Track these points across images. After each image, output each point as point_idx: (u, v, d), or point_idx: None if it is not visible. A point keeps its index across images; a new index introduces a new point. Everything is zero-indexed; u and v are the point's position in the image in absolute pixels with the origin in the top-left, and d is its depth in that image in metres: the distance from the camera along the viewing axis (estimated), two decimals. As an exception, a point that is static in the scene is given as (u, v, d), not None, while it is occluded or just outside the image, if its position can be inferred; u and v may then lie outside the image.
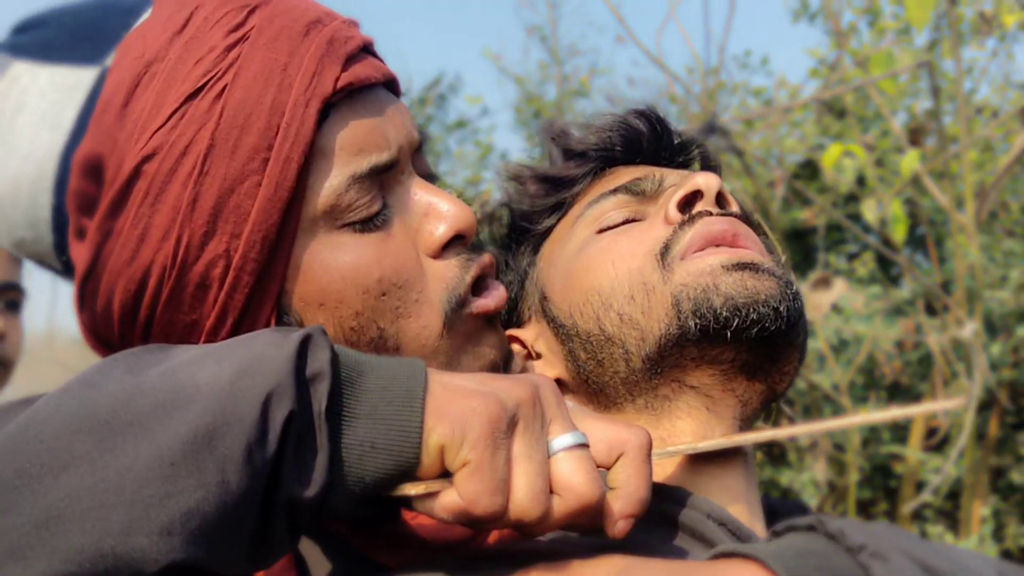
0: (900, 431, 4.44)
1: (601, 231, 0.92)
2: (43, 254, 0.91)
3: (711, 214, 0.88)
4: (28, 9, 0.94)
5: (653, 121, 1.01)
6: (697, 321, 0.82)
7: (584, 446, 0.67)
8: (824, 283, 3.18)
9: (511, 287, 0.99)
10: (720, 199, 0.91)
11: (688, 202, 0.90)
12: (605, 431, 0.69)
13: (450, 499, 0.64)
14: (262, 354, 0.63)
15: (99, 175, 0.82)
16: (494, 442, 0.63)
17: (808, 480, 3.96)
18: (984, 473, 3.83)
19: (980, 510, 3.64)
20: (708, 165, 1.03)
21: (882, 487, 4.67)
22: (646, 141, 1.00)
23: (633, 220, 0.92)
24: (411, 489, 0.65)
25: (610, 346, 0.87)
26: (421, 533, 0.78)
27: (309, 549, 0.79)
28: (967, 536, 3.49)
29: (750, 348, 0.83)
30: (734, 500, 0.83)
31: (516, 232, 1.01)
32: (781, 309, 0.82)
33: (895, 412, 0.76)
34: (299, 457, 0.61)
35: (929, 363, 3.92)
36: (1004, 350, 3.95)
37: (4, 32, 0.93)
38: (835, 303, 3.40)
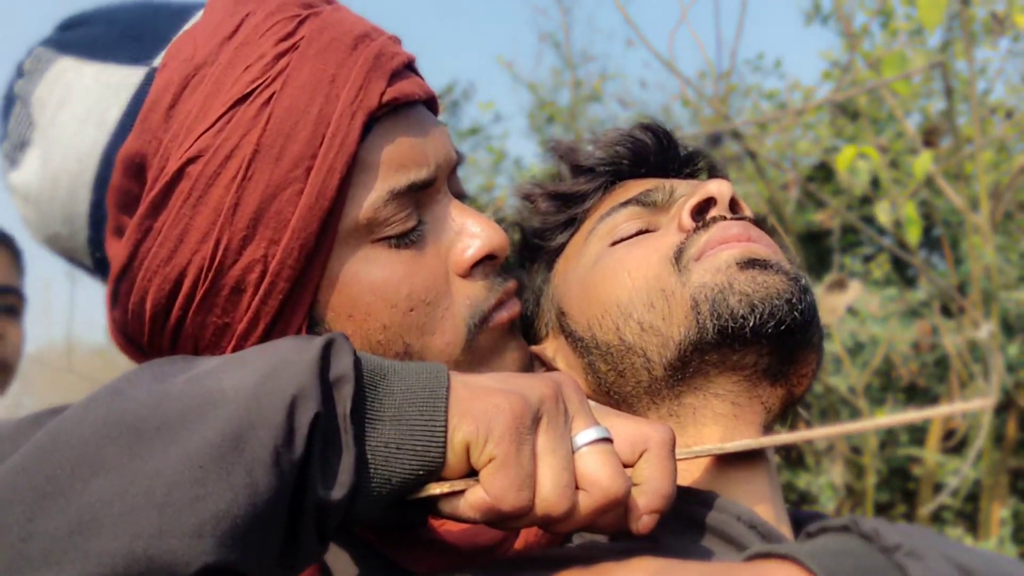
0: (918, 433, 4.42)
1: (615, 243, 0.93)
2: (76, 250, 0.91)
3: (725, 219, 0.88)
4: (66, 8, 0.95)
5: (659, 134, 1.01)
6: (715, 322, 0.82)
7: (608, 440, 0.67)
8: (839, 285, 3.17)
9: (526, 304, 0.99)
10: (733, 205, 0.91)
11: (701, 209, 0.90)
12: (628, 428, 0.70)
13: (477, 496, 0.64)
14: (286, 359, 0.64)
15: (142, 173, 0.82)
16: (519, 438, 0.63)
17: (826, 483, 3.94)
18: (1003, 475, 3.81)
19: (999, 512, 3.62)
20: (717, 174, 1.03)
21: (900, 490, 4.65)
22: (653, 154, 1.01)
23: (646, 231, 0.93)
24: (437, 489, 0.65)
25: (631, 356, 0.87)
26: (449, 539, 0.78)
27: (337, 557, 0.79)
28: (986, 538, 3.48)
29: (770, 351, 0.83)
30: (761, 503, 0.83)
31: (529, 250, 1.02)
32: (795, 302, 0.82)
33: (924, 413, 0.76)
34: (326, 459, 0.62)
35: (946, 365, 3.91)
36: (1021, 351, 3.93)
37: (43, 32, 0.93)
38: (851, 306, 3.39)
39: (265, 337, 0.82)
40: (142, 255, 0.83)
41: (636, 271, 0.88)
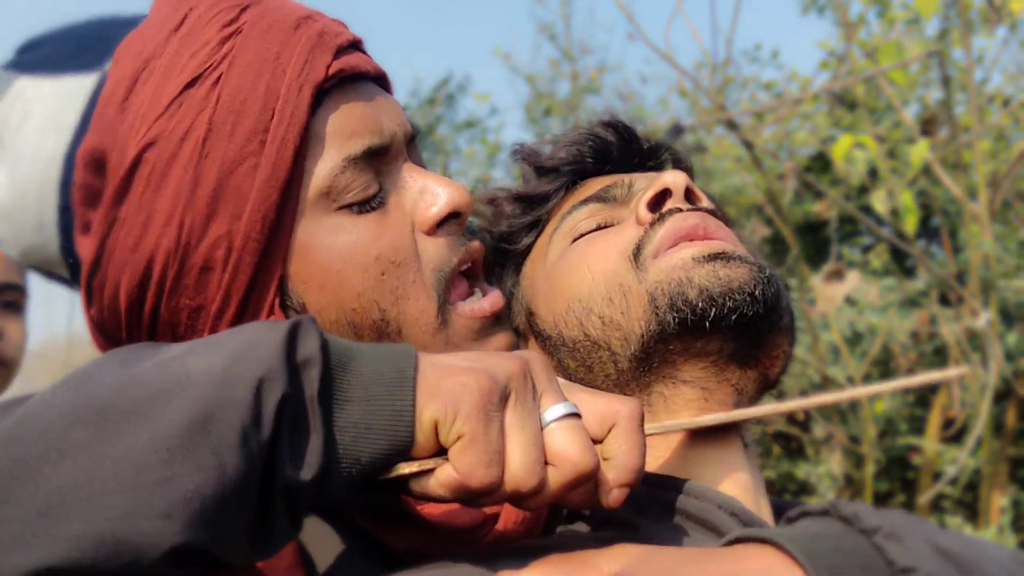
0: (917, 423, 4.43)
1: (576, 240, 0.93)
2: (51, 260, 0.92)
3: (681, 210, 0.89)
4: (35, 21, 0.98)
5: (620, 130, 1.02)
6: (675, 315, 0.83)
7: (576, 415, 0.67)
8: (837, 275, 3.17)
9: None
10: (689, 195, 0.92)
11: (658, 201, 0.91)
12: (597, 403, 0.70)
13: (446, 474, 0.64)
14: (253, 342, 0.64)
15: (102, 167, 0.84)
16: (487, 415, 0.63)
17: (825, 473, 3.95)
18: (1002, 463, 3.82)
19: (999, 500, 3.63)
20: (679, 166, 1.03)
21: (899, 479, 4.66)
22: (615, 150, 1.01)
23: (606, 226, 0.93)
24: (407, 468, 0.65)
25: (597, 350, 0.88)
26: (429, 519, 0.79)
27: (316, 535, 0.80)
28: (986, 526, 3.48)
29: (734, 337, 0.83)
30: (741, 489, 0.83)
31: (498, 255, 1.02)
32: (756, 294, 0.82)
33: (900, 382, 0.76)
34: (294, 441, 0.62)
35: (944, 354, 3.91)
36: (1020, 339, 3.93)
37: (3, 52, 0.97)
38: (849, 295, 3.39)
39: (239, 315, 0.83)
40: (110, 247, 0.84)
41: (595, 265, 0.89)
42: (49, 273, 0.97)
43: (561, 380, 0.72)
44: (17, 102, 0.91)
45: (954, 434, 3.77)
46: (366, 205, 0.85)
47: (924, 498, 3.65)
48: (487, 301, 0.90)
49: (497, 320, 0.91)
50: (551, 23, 6.45)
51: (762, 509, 0.84)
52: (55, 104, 0.89)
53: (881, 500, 4.48)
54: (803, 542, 0.59)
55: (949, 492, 4.19)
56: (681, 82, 4.81)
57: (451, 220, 0.88)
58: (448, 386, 0.64)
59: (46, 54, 0.93)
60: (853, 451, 3.68)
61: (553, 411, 0.66)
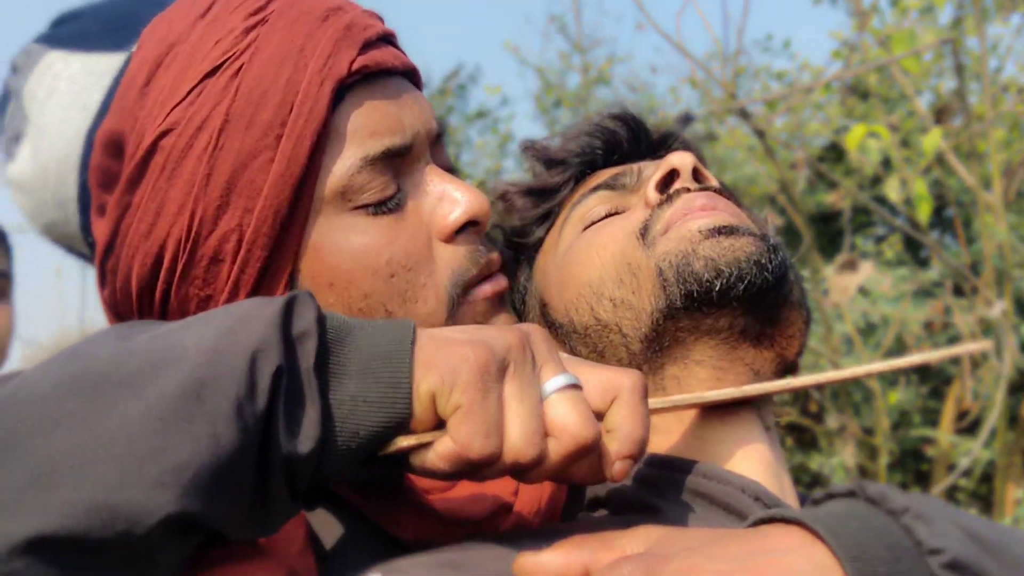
0: (930, 414, 4.41)
1: (586, 228, 0.93)
2: (72, 236, 0.93)
3: (689, 190, 0.89)
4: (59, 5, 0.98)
5: (629, 121, 1.01)
6: (682, 288, 0.82)
7: (577, 387, 0.67)
8: (850, 266, 3.15)
9: (514, 301, 1.00)
10: (697, 176, 0.91)
11: (666, 183, 0.90)
12: (598, 375, 0.69)
13: (445, 446, 0.63)
14: (247, 315, 0.64)
15: (120, 150, 0.84)
16: (484, 385, 0.63)
17: (838, 464, 3.94)
18: (1017, 455, 3.79)
19: (1014, 492, 3.61)
20: (687, 150, 1.03)
21: (913, 471, 4.65)
22: (625, 141, 1.01)
23: (616, 213, 0.93)
24: (405, 442, 0.64)
25: (608, 333, 0.87)
26: (440, 507, 0.78)
27: (326, 524, 0.79)
28: (1001, 518, 3.46)
29: (745, 311, 0.83)
30: (764, 470, 0.82)
31: (511, 250, 1.02)
32: (764, 262, 0.82)
33: (914, 358, 0.75)
34: (290, 413, 0.62)
35: (958, 344, 3.88)
36: (1035, 330, 3.90)
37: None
38: (862, 286, 3.37)
39: None
40: (123, 231, 0.84)
41: (604, 250, 0.89)
42: (70, 248, 0.97)
43: (563, 354, 0.71)
44: (45, 76, 0.90)
45: (968, 425, 3.75)
46: (382, 207, 0.84)
47: (938, 490, 3.63)
48: (489, 283, 0.88)
49: (500, 301, 0.90)
50: (561, 14, 6.42)
51: (785, 491, 0.83)
52: (82, 82, 0.89)
53: (895, 492, 4.46)
54: (829, 522, 0.58)
55: (963, 484, 4.17)
56: (693, 72, 4.79)
57: (469, 228, 0.87)
58: (445, 358, 0.63)
59: (78, 29, 0.93)
60: (866, 442, 3.67)
61: (553, 382, 0.66)
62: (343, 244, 0.83)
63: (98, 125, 0.86)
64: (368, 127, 0.83)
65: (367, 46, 0.84)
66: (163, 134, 0.81)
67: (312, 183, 0.82)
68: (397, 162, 0.85)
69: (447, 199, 0.87)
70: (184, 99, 0.81)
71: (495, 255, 0.90)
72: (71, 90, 0.89)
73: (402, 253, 0.84)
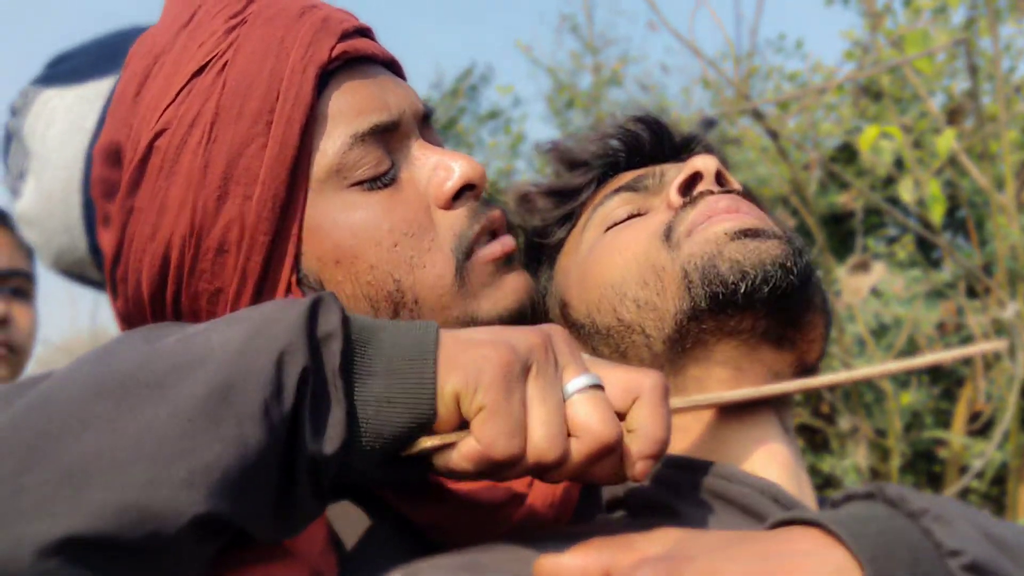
0: (943, 416, 4.39)
1: (608, 229, 0.94)
2: (81, 261, 0.94)
3: (712, 193, 0.89)
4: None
5: (651, 124, 1.02)
6: (707, 290, 0.83)
7: (599, 387, 0.67)
8: (863, 267, 3.14)
9: (535, 301, 1.00)
10: (720, 179, 0.92)
11: (689, 186, 0.91)
12: (620, 376, 0.70)
13: (469, 446, 0.64)
14: (273, 317, 0.65)
15: (118, 159, 0.86)
16: (508, 386, 0.64)
17: (850, 466, 3.92)
18: (1030, 457, 3.77)
19: (1026, 494, 3.59)
20: (709, 153, 1.03)
21: (925, 472, 4.63)
22: (647, 144, 1.02)
23: (638, 215, 0.94)
24: (429, 442, 0.65)
25: (630, 334, 0.88)
26: (458, 495, 0.79)
27: (347, 523, 0.80)
28: (1013, 520, 3.45)
29: (768, 313, 0.83)
30: (782, 471, 0.82)
31: (532, 250, 1.03)
32: (789, 265, 0.82)
33: (928, 358, 0.76)
34: (316, 414, 0.63)
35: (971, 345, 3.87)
36: (1048, 331, 3.88)
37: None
38: (874, 287, 3.37)
39: (257, 295, 0.85)
40: (129, 236, 0.86)
41: (627, 251, 0.89)
42: (82, 277, 0.99)
43: (585, 355, 0.72)
44: (43, 111, 0.94)
45: (981, 427, 3.74)
46: (377, 182, 0.86)
47: (950, 492, 3.62)
48: (498, 243, 0.90)
49: (510, 260, 0.91)
50: (572, 14, 6.41)
51: (804, 492, 0.83)
52: (77, 109, 0.92)
53: (907, 493, 4.44)
54: (848, 524, 0.58)
55: (976, 486, 4.16)
56: (705, 72, 4.79)
57: (466, 193, 0.89)
58: (469, 358, 0.64)
59: (71, 67, 0.97)
60: (879, 444, 3.66)
61: (575, 383, 0.67)
62: (343, 221, 0.85)
63: (95, 143, 0.88)
64: (354, 107, 0.86)
65: (345, 36, 0.88)
66: (158, 135, 0.84)
67: (306, 165, 0.84)
68: (387, 138, 0.88)
69: (441, 167, 0.89)
70: (174, 100, 0.84)
71: (496, 212, 0.91)
72: (68, 117, 0.92)
73: (402, 221, 0.86)
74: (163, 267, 0.85)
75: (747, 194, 0.93)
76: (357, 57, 0.89)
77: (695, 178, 0.91)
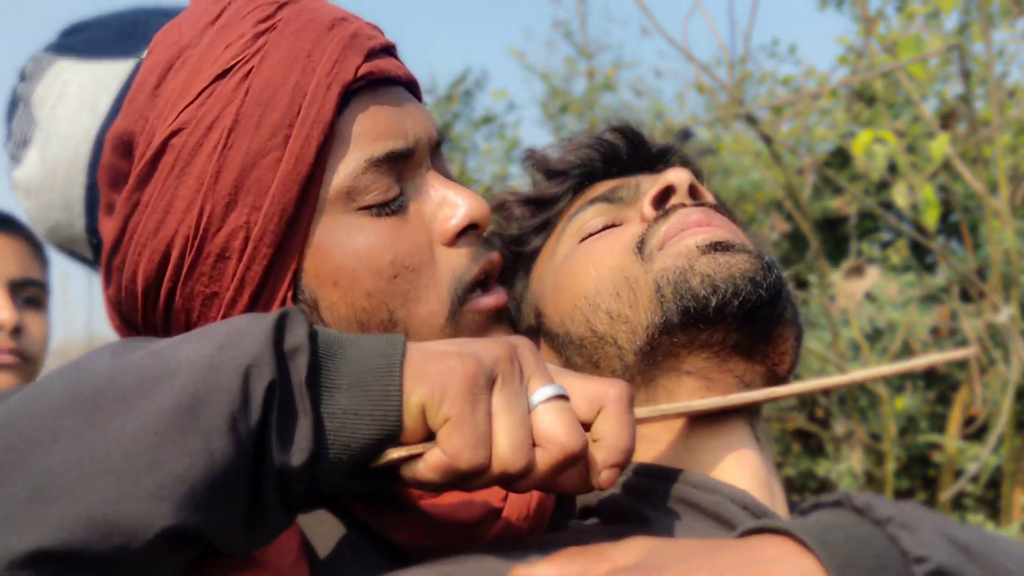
0: (938, 420, 4.40)
1: (583, 240, 0.94)
2: (76, 239, 0.94)
3: (685, 206, 0.90)
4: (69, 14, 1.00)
5: (628, 134, 1.03)
6: (679, 304, 0.83)
7: (564, 397, 0.68)
8: (857, 272, 3.15)
9: (510, 309, 1.00)
10: (694, 192, 0.93)
11: (662, 199, 0.92)
12: (585, 386, 0.70)
13: (435, 457, 0.65)
14: (240, 331, 0.65)
15: (129, 150, 0.86)
16: (473, 397, 0.64)
17: (845, 470, 3.93)
18: (1024, 461, 3.78)
19: (1021, 498, 3.59)
20: (685, 166, 1.04)
21: (920, 476, 4.64)
22: (624, 153, 1.02)
23: (613, 226, 0.94)
24: (396, 453, 0.66)
25: (603, 345, 0.89)
26: (434, 513, 0.79)
27: (319, 526, 0.80)
28: (1008, 524, 3.45)
29: (738, 327, 0.84)
30: (753, 479, 0.83)
31: (508, 258, 1.03)
32: (759, 279, 0.83)
33: (907, 364, 0.78)
34: (283, 426, 0.63)
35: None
36: (1042, 335, 3.89)
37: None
38: (869, 291, 3.37)
39: (252, 305, 0.84)
40: (131, 229, 0.86)
41: (601, 262, 0.90)
42: (72, 253, 0.99)
43: (551, 365, 0.73)
44: (55, 83, 0.93)
45: (976, 431, 3.75)
46: (386, 208, 0.86)
47: (945, 496, 3.62)
48: (491, 296, 0.90)
49: (498, 316, 0.92)
50: (566, 20, 6.42)
51: (776, 500, 0.84)
52: (91, 87, 0.90)
53: (902, 498, 4.44)
54: (816, 532, 0.59)
55: (971, 490, 4.16)
56: (699, 77, 4.79)
57: (469, 231, 0.89)
58: (435, 370, 0.65)
59: (87, 38, 0.95)
60: (874, 448, 3.66)
61: (540, 393, 0.67)
62: (347, 243, 0.85)
63: (107, 127, 0.88)
64: (372, 131, 0.86)
65: (372, 55, 0.87)
66: (174, 133, 0.83)
67: (318, 183, 0.84)
68: (400, 166, 0.87)
69: (448, 203, 0.89)
70: (195, 100, 0.83)
71: (495, 255, 0.91)
72: (80, 95, 0.91)
73: (405, 254, 0.86)
74: (162, 264, 0.85)
75: (720, 207, 0.94)
76: (381, 78, 0.88)
77: (668, 191, 0.92)
